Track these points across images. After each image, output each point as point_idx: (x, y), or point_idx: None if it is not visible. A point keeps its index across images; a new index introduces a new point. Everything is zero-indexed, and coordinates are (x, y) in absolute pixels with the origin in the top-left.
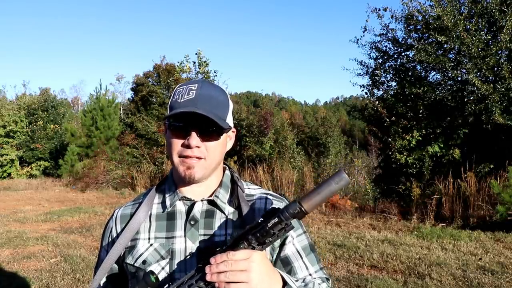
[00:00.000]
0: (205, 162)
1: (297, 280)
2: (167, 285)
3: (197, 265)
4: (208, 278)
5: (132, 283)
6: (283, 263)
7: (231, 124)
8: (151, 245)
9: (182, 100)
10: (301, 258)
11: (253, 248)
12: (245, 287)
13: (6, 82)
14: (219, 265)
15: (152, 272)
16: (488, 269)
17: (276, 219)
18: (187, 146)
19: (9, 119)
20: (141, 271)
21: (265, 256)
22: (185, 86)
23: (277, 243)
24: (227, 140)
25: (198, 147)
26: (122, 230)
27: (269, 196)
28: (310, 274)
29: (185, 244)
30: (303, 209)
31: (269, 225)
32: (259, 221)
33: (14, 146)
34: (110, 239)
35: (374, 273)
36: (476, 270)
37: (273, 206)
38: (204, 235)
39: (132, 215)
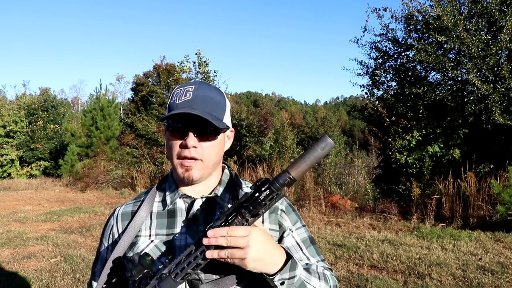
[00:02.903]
0: (202, 163)
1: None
2: (163, 265)
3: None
4: (208, 255)
5: (129, 270)
6: None
7: (229, 124)
8: (152, 241)
9: (179, 102)
10: (301, 250)
11: (247, 220)
12: (242, 263)
13: (6, 82)
14: (218, 239)
15: (147, 254)
16: (488, 269)
17: (267, 191)
18: (185, 146)
19: (9, 119)
20: (136, 255)
21: (265, 233)
22: (182, 88)
23: (276, 237)
24: (225, 140)
25: (195, 147)
26: (124, 228)
27: None
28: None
29: (186, 241)
30: (291, 177)
31: (261, 197)
32: (250, 193)
33: (14, 146)
34: (111, 237)
35: (374, 273)
36: (476, 270)
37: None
38: (204, 231)
39: (133, 213)
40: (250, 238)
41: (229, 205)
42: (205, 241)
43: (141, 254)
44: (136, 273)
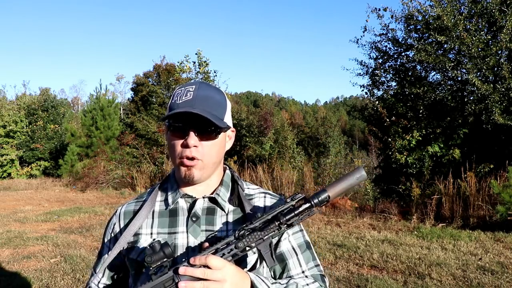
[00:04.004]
0: (203, 163)
1: (289, 277)
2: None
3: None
4: (181, 286)
5: (148, 255)
6: (277, 259)
7: (230, 124)
8: (154, 240)
9: (180, 102)
10: (296, 255)
11: (280, 229)
12: None
13: (6, 82)
14: (195, 270)
15: (168, 244)
16: (488, 269)
17: (307, 205)
18: (186, 146)
19: (9, 119)
20: (157, 243)
21: (235, 266)
22: (183, 88)
23: (275, 239)
24: (226, 140)
25: (196, 146)
26: (125, 225)
27: (267, 195)
28: (303, 271)
29: (187, 240)
30: (329, 196)
31: (300, 209)
32: (288, 204)
33: (14, 146)
34: (112, 234)
35: (374, 273)
36: (476, 270)
37: (271, 204)
38: (206, 231)
39: (135, 212)
40: (226, 271)
41: (230, 206)
42: (181, 270)
43: (163, 243)
44: (155, 260)
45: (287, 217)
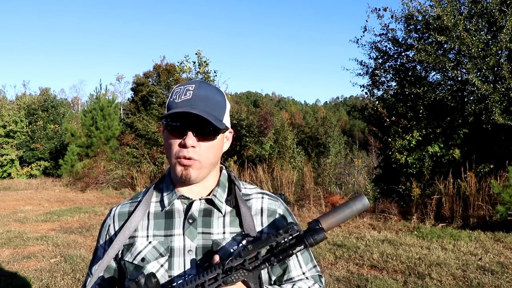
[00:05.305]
0: (200, 164)
1: (289, 278)
2: None
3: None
4: None
5: (131, 285)
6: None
7: (228, 125)
8: (150, 242)
9: (179, 101)
10: (296, 256)
11: (272, 266)
12: None
13: (6, 82)
14: None
15: (153, 275)
16: (488, 269)
17: (302, 246)
18: (183, 146)
19: (9, 119)
20: (141, 276)
21: None
22: (182, 87)
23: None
24: (224, 141)
25: (193, 146)
26: (120, 227)
27: (264, 196)
28: (303, 273)
29: (183, 242)
30: (325, 234)
31: (294, 251)
32: (283, 243)
33: (14, 146)
34: (107, 236)
35: (374, 273)
36: (476, 270)
37: (270, 206)
38: (203, 233)
39: (130, 213)
40: None
41: (227, 207)
42: None
43: (146, 274)
44: None
45: (280, 257)
